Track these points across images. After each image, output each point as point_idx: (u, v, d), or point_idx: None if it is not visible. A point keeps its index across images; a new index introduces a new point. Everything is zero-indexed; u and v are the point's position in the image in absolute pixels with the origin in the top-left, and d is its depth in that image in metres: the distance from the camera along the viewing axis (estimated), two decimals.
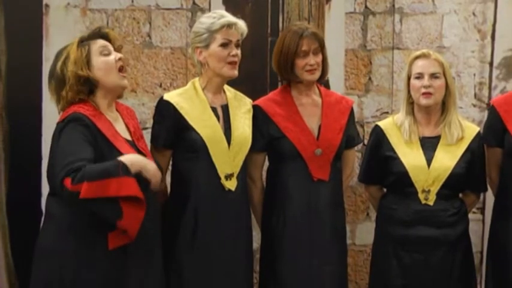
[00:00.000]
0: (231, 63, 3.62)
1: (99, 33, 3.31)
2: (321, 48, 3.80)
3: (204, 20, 3.65)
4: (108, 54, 3.27)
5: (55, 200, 3.19)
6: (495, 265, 3.94)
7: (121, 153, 3.16)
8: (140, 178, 3.11)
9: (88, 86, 3.22)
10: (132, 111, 3.50)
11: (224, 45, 3.61)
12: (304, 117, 3.83)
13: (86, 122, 3.15)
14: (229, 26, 3.61)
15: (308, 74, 3.77)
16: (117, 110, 3.37)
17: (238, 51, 3.65)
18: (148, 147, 3.52)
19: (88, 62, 3.22)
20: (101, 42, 3.28)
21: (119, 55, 3.29)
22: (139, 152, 3.30)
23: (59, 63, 3.22)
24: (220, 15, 3.64)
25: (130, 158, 3.11)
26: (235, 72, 3.66)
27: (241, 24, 3.66)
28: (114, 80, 3.27)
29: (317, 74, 3.79)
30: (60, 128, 3.16)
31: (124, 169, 3.03)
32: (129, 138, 3.32)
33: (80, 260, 3.13)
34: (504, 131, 3.83)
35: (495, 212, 3.97)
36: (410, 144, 3.84)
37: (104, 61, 3.25)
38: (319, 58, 3.78)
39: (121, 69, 3.29)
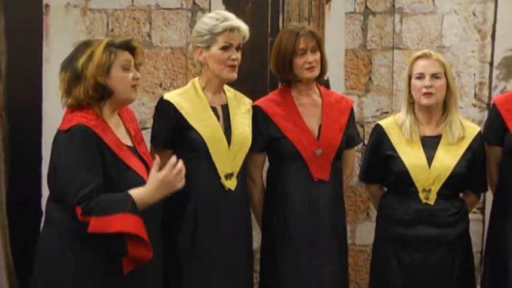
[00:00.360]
0: (230, 66, 3.62)
1: (128, 45, 3.28)
2: (319, 46, 3.79)
3: (207, 21, 3.63)
4: (128, 70, 3.26)
5: (56, 205, 3.19)
6: (493, 264, 3.94)
7: (125, 164, 3.19)
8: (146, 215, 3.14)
9: (101, 93, 3.22)
10: (132, 113, 3.48)
11: (225, 48, 3.60)
12: (304, 117, 3.82)
13: (91, 134, 3.14)
14: (231, 29, 3.60)
15: (307, 71, 3.77)
16: (118, 113, 3.37)
17: (239, 55, 3.64)
18: (149, 148, 3.52)
19: (108, 70, 3.21)
20: (126, 55, 3.25)
21: (137, 75, 3.29)
22: (140, 157, 3.30)
23: (82, 60, 3.18)
24: (223, 17, 3.63)
25: (147, 195, 3.11)
26: (234, 75, 3.65)
27: (244, 28, 3.64)
28: (125, 94, 3.27)
29: (316, 72, 3.79)
30: (66, 140, 3.13)
31: (132, 206, 3.05)
32: (130, 143, 3.32)
33: (80, 261, 3.13)
34: (505, 130, 3.84)
35: (494, 211, 3.98)
36: (411, 144, 3.84)
37: (122, 77, 3.23)
38: (318, 56, 3.78)
39: (133, 87, 3.29)
